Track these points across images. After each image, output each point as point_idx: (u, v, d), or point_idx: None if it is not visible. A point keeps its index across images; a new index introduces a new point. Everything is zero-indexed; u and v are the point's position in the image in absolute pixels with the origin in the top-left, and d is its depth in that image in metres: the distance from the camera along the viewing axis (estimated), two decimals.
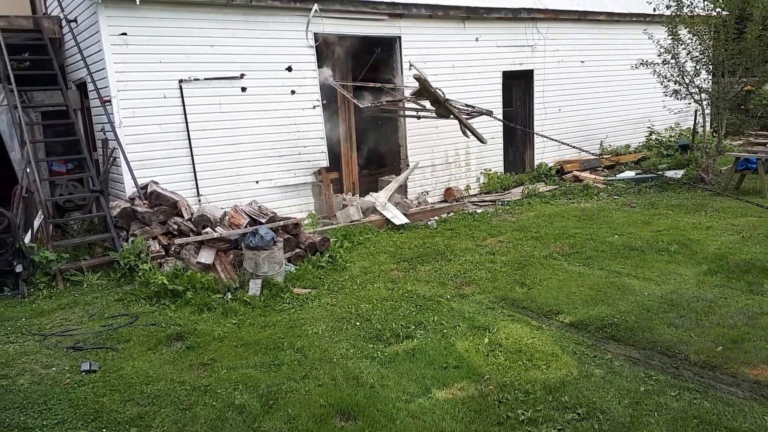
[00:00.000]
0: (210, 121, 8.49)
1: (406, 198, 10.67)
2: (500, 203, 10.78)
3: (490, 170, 11.81)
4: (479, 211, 10.36)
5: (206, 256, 6.71)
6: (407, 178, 10.55)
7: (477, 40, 11.17)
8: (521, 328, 5.25)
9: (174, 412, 4.18)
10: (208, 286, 6.38)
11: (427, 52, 10.54)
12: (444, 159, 11.18)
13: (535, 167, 12.48)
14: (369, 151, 11.99)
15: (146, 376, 4.65)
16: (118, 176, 8.15)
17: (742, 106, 16.29)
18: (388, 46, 10.34)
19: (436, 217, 9.92)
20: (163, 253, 6.98)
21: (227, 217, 7.22)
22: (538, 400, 4.10)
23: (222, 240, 6.86)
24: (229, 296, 6.25)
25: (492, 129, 11.70)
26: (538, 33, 11.98)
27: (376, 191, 10.30)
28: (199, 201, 8.33)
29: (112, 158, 8.21)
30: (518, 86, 12.22)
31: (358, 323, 5.59)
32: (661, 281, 6.19)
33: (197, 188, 8.41)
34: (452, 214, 10.19)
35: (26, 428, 3.95)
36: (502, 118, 11.76)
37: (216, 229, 7.04)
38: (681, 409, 3.91)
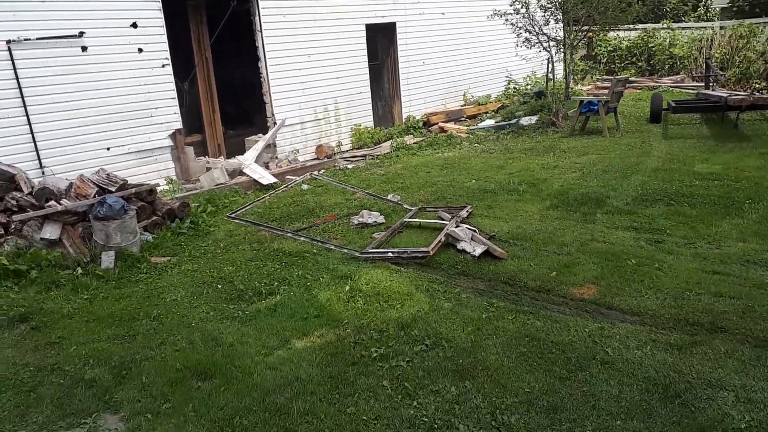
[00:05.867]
0: (49, 85, 7.77)
1: (276, 157, 10.52)
2: (370, 157, 10.95)
3: (360, 125, 11.90)
4: (350, 166, 10.46)
5: (51, 231, 6.24)
6: (275, 137, 10.38)
7: None
8: (381, 273, 5.43)
9: (16, 395, 3.94)
10: (56, 262, 5.96)
11: (287, 3, 10.26)
12: (313, 115, 11.09)
13: (404, 120, 12.74)
14: (234, 110, 11.61)
15: None
16: None
17: (591, 53, 17.61)
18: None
19: (307, 175, 9.89)
20: (2, 231, 6.39)
21: (73, 188, 6.73)
22: (390, 337, 4.32)
23: (68, 213, 6.40)
24: (80, 271, 5.87)
25: (359, 84, 11.77)
26: None
27: (244, 152, 10.05)
28: (43, 173, 7.68)
29: None
30: (383, 39, 12.30)
31: (219, 286, 5.51)
32: (510, 219, 6.67)
33: (39, 159, 7.73)
34: (323, 171, 10.20)
35: None
36: (368, 71, 11.86)
37: (61, 201, 6.54)
38: (516, 330, 4.30)
